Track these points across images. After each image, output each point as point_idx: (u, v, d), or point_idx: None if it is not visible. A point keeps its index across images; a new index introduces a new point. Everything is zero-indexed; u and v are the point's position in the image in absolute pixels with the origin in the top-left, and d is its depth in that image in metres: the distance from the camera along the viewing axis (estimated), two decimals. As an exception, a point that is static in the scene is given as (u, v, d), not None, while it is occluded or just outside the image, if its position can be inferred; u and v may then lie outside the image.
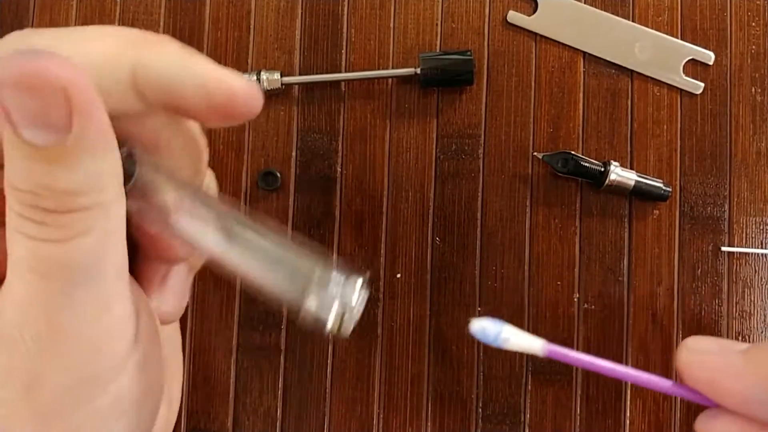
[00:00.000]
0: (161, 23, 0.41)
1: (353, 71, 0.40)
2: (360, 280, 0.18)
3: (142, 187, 0.19)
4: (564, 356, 0.19)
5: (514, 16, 0.40)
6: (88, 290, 0.18)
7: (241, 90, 0.18)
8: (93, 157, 0.17)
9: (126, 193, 0.18)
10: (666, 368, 0.39)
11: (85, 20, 0.42)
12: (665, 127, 0.40)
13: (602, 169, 0.38)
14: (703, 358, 0.19)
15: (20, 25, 0.42)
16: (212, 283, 0.40)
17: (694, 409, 0.38)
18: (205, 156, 0.23)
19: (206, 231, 0.19)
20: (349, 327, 0.17)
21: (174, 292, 0.24)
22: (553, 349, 0.19)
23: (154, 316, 0.23)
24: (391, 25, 0.41)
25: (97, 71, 0.18)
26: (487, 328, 0.19)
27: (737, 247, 0.39)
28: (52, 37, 0.18)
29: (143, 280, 0.23)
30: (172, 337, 0.26)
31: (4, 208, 0.19)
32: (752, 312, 0.39)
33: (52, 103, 0.16)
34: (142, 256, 0.23)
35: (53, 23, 0.42)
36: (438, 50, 0.40)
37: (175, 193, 0.19)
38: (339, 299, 0.17)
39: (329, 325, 0.17)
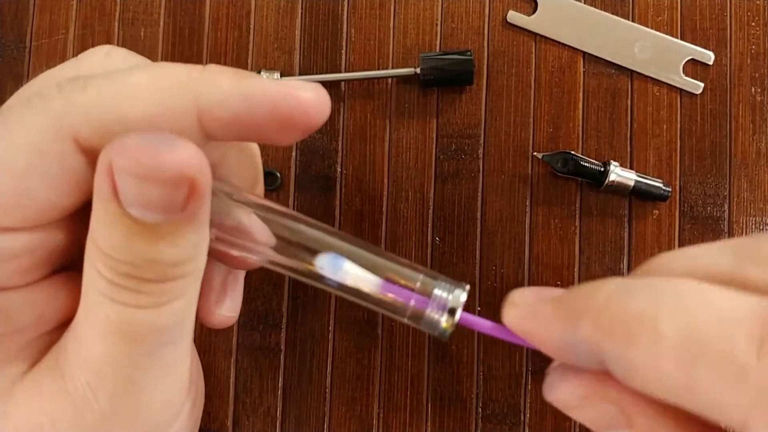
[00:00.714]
0: (161, 23, 0.41)
1: (353, 71, 0.40)
2: (462, 287, 0.19)
3: (214, 213, 0.19)
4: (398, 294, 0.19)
5: (514, 16, 0.40)
6: (172, 350, 0.18)
7: (309, 97, 0.17)
8: (196, 231, 0.17)
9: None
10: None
11: (85, 20, 0.42)
12: (665, 127, 0.40)
13: (602, 169, 0.38)
14: (520, 310, 0.19)
15: (20, 26, 0.42)
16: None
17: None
18: (260, 163, 0.23)
19: (287, 243, 0.19)
20: (452, 328, 0.19)
21: (234, 296, 0.23)
22: (387, 286, 0.19)
23: (194, 348, 0.23)
24: (391, 25, 0.41)
25: (164, 124, 0.17)
26: (328, 261, 0.19)
27: (737, 247, 0.39)
28: (102, 93, 0.16)
29: (204, 286, 0.22)
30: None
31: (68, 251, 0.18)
32: (752, 312, 0.39)
33: (176, 191, 0.16)
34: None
35: (53, 23, 0.42)
36: (438, 50, 0.40)
37: (247, 210, 0.19)
38: (448, 302, 0.19)
39: (442, 324, 0.19)
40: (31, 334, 0.18)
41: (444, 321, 0.19)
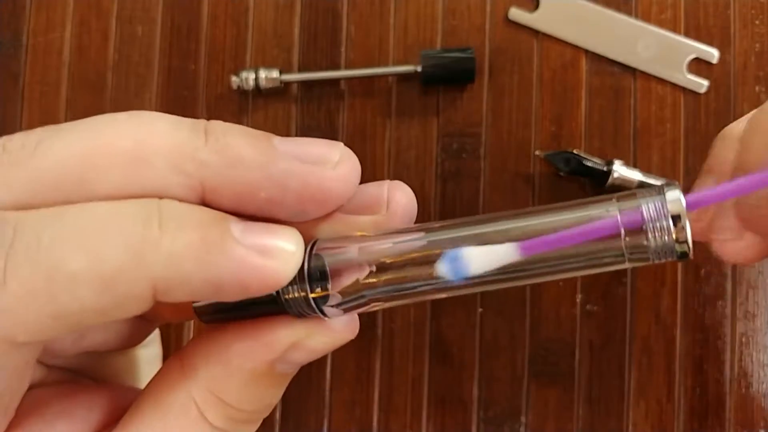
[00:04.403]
0: (159, 20, 0.41)
1: (353, 69, 0.40)
2: (671, 186, 0.15)
3: (337, 275, 0.17)
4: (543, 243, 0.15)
5: (516, 13, 0.40)
6: None
7: (275, 269, 0.15)
8: None
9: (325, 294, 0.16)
10: (669, 370, 0.38)
11: (81, 18, 0.41)
12: (669, 125, 0.39)
13: (605, 168, 0.38)
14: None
15: (16, 23, 0.41)
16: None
17: (697, 412, 0.38)
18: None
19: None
20: (689, 240, 0.14)
21: None
22: (527, 245, 0.15)
23: None
24: (392, 22, 0.40)
25: (113, 314, 0.14)
26: (447, 262, 0.16)
27: (741, 247, 0.39)
28: (27, 282, 0.14)
29: None
30: None
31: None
32: (756, 313, 0.38)
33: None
34: None
35: (50, 21, 0.41)
36: (439, 47, 0.40)
37: (370, 255, 0.17)
38: (665, 209, 0.14)
39: (679, 243, 0.14)
40: None
41: (675, 232, 0.14)
